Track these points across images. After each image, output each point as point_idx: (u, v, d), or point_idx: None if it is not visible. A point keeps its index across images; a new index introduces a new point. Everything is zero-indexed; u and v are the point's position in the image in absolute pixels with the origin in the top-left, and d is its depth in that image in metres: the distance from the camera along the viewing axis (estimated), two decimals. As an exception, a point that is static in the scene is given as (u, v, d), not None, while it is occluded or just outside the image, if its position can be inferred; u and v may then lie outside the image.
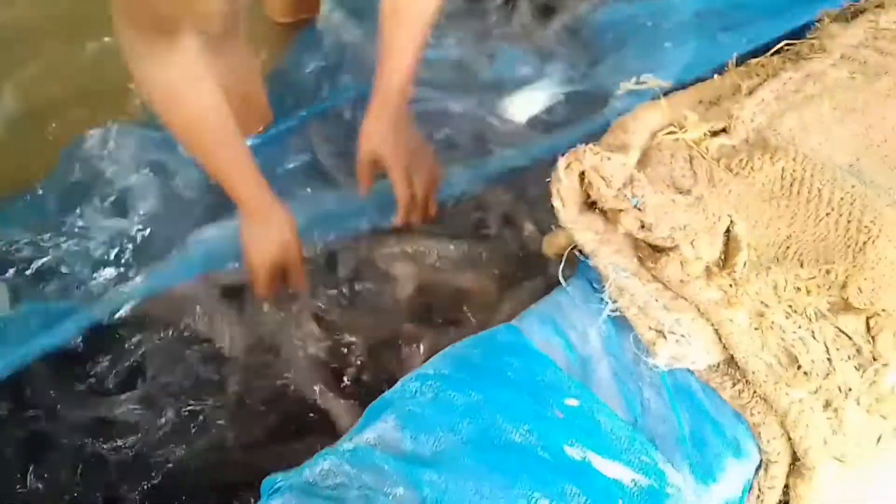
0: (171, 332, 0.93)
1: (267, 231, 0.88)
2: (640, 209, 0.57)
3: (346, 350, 0.92)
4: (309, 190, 1.10)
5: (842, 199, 0.63)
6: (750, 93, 0.71)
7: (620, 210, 0.57)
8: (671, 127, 0.69)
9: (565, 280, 0.63)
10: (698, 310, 0.55)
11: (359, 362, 0.91)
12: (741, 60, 0.78)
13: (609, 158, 0.58)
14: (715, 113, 0.71)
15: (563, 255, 0.64)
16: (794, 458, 0.54)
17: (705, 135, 0.68)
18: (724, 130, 0.69)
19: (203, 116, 0.81)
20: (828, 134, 0.68)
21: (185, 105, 0.79)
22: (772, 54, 0.77)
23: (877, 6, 0.83)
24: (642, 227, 0.57)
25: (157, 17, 0.70)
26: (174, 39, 0.73)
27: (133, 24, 0.71)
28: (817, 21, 0.85)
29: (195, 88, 0.79)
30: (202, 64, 0.78)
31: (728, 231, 0.59)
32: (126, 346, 0.92)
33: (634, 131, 0.66)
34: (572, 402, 0.54)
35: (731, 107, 0.70)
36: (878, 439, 0.56)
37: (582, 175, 0.59)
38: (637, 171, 0.60)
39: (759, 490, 0.55)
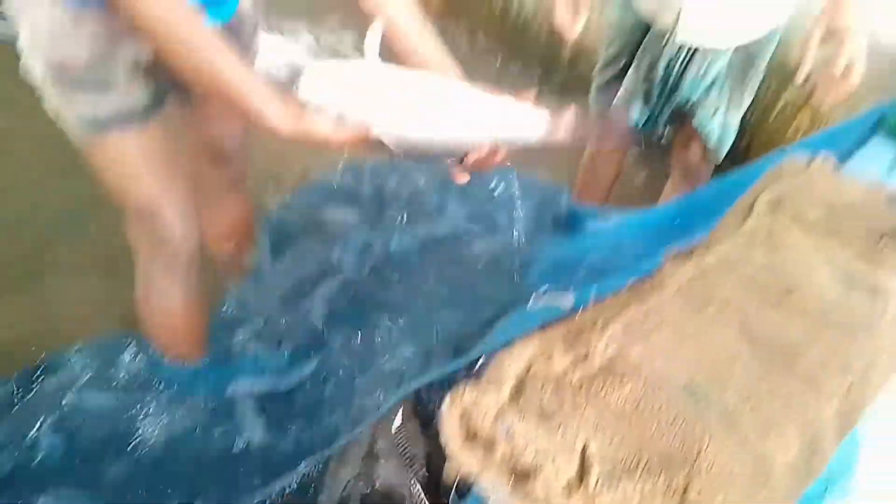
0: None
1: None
2: (510, 437, 0.69)
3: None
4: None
5: (678, 414, 0.77)
6: (604, 326, 0.87)
7: (495, 439, 0.70)
8: (543, 358, 0.84)
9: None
10: (562, 522, 0.66)
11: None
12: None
13: (483, 395, 0.72)
14: (578, 344, 0.87)
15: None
16: None
17: (570, 364, 0.83)
18: (585, 359, 0.84)
19: (202, 42, 0.87)
20: (668, 358, 0.84)
21: (185, 39, 0.86)
22: (623, 291, 0.95)
23: (705, 246, 1.03)
24: (513, 452, 0.69)
25: None
26: None
27: None
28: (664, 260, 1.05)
29: (188, 17, 0.87)
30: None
31: (584, 450, 0.71)
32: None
33: (510, 365, 0.80)
34: None
35: (590, 338, 0.86)
36: None
37: (464, 410, 0.72)
38: (508, 404, 0.73)
39: None
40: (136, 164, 1.14)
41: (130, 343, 1.53)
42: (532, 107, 0.97)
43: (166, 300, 1.37)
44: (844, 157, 1.29)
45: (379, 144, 0.91)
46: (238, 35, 1.18)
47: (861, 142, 1.36)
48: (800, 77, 1.35)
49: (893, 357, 0.96)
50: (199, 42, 0.88)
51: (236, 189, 1.54)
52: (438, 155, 0.98)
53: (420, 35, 1.02)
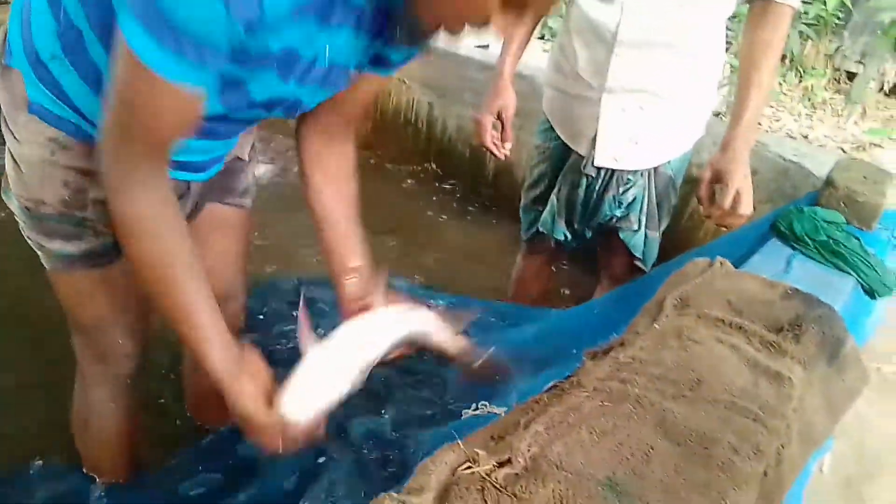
0: None
1: (247, 387, 0.90)
2: (432, 544, 0.69)
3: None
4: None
5: (599, 510, 0.78)
6: (526, 426, 0.89)
7: (418, 546, 0.69)
8: (467, 462, 0.85)
9: None
10: None
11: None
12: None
13: (404, 503, 0.72)
14: (502, 446, 0.88)
15: None
16: None
17: (494, 466, 0.84)
18: (509, 461, 0.85)
19: (171, 251, 0.87)
20: (588, 455, 0.86)
21: (155, 238, 0.86)
22: (543, 392, 0.98)
23: (619, 345, 1.08)
24: (436, 559, 0.68)
25: (153, 139, 0.81)
26: (161, 167, 0.85)
27: (126, 146, 0.81)
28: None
29: (168, 222, 0.87)
30: (175, 204, 0.87)
31: (508, 553, 0.71)
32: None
33: (432, 472, 0.81)
34: None
35: (512, 440, 0.87)
36: None
37: (387, 519, 0.72)
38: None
39: None
40: (95, 293, 1.16)
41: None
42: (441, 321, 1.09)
43: (101, 417, 1.35)
44: (743, 259, 1.40)
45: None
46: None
47: (758, 245, 1.47)
48: (703, 211, 1.48)
49: (804, 441, 1.01)
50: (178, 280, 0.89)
51: None
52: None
53: (347, 235, 1.11)
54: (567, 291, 2.40)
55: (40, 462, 1.53)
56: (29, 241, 1.11)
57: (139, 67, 0.72)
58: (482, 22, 0.73)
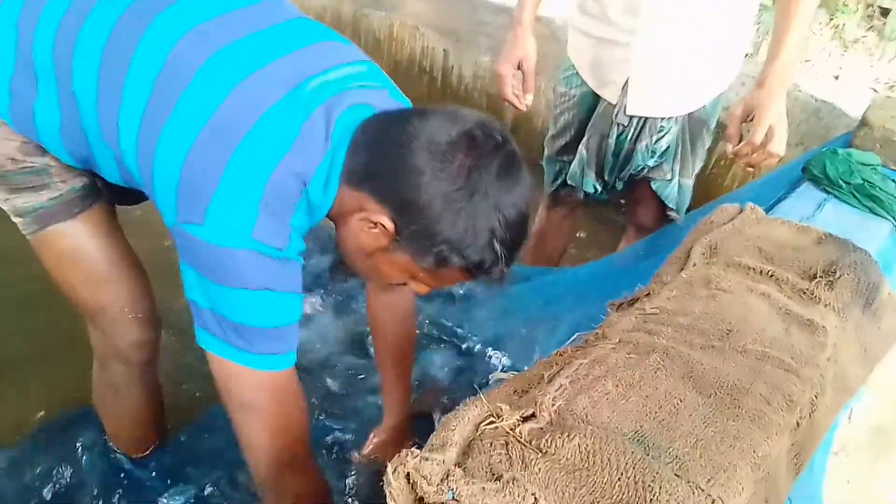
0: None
1: None
2: (456, 500, 0.67)
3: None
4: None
5: (627, 464, 0.75)
6: (550, 380, 0.87)
7: (441, 503, 0.68)
8: (491, 418, 0.83)
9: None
10: (514, 586, 0.64)
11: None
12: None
13: (427, 459, 0.70)
14: (526, 400, 0.86)
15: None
16: None
17: (518, 421, 0.82)
18: (533, 415, 0.83)
19: None
20: (614, 408, 0.83)
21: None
22: (568, 345, 0.96)
23: (645, 295, 1.05)
24: (461, 516, 0.67)
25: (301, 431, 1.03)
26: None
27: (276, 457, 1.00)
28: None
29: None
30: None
31: (534, 508, 0.69)
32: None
33: (455, 428, 0.79)
34: None
35: (536, 394, 0.85)
36: None
37: (409, 475, 0.70)
38: (455, 467, 0.71)
39: None
40: (82, 250, 1.12)
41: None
42: None
43: (117, 396, 1.35)
44: (774, 204, 1.35)
45: None
46: None
47: (789, 189, 1.42)
48: (729, 150, 1.41)
49: (838, 391, 0.98)
50: None
51: None
52: None
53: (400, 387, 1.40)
54: (583, 234, 2.34)
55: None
56: (3, 207, 1.09)
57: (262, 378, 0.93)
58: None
